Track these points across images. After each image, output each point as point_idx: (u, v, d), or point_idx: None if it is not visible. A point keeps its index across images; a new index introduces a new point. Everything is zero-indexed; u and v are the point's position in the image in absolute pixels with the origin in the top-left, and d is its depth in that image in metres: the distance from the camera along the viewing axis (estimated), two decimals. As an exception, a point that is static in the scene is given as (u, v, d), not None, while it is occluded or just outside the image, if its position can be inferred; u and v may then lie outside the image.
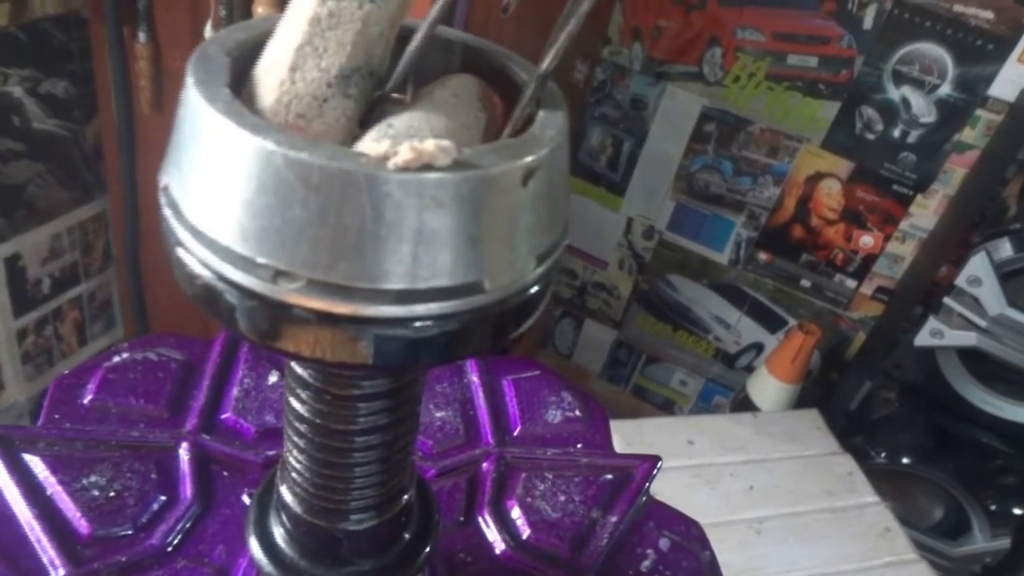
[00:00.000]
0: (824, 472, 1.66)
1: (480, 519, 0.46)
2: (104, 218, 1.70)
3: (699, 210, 2.09)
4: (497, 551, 0.44)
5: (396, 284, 0.21)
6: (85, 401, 0.47)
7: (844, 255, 2.01)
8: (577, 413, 0.52)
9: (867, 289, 2.02)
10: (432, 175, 0.20)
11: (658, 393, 2.35)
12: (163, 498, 0.43)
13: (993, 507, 1.78)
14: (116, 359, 0.49)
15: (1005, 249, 1.61)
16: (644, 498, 0.47)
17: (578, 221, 2.22)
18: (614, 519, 0.46)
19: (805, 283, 2.07)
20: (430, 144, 0.20)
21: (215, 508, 0.44)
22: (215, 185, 0.21)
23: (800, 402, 1.94)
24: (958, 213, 1.81)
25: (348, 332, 0.22)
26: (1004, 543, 1.79)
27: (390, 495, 0.33)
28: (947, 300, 1.62)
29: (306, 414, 0.30)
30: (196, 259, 0.23)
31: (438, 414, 0.51)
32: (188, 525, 0.43)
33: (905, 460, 1.81)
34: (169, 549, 0.42)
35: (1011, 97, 1.72)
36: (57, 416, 0.46)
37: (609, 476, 0.48)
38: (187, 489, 0.44)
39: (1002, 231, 1.61)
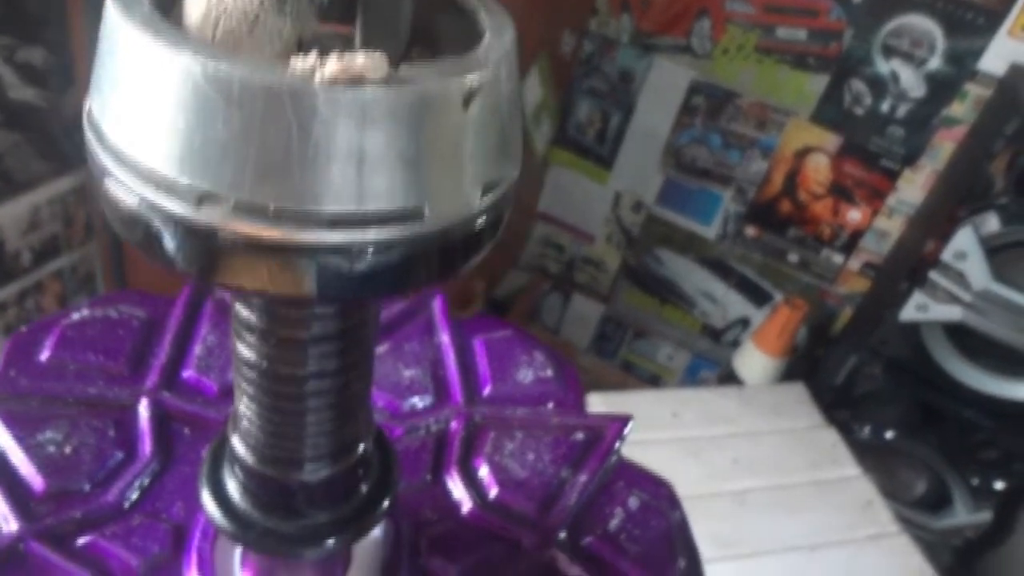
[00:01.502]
0: (808, 445, 1.67)
1: (447, 478, 0.45)
2: (84, 190, 1.68)
3: (687, 184, 2.08)
4: (464, 510, 0.44)
5: (328, 207, 0.20)
6: (42, 358, 0.46)
7: (831, 230, 2.00)
8: (549, 373, 0.51)
9: (854, 264, 2.02)
10: (363, 91, 0.19)
11: (645, 368, 2.35)
12: (121, 455, 0.42)
13: (975, 481, 1.79)
14: (75, 316, 0.48)
15: (992, 223, 1.61)
16: (614, 458, 0.47)
17: (565, 195, 2.21)
18: (583, 478, 0.45)
19: (792, 258, 2.07)
20: (360, 57, 0.19)
21: (175, 466, 0.43)
22: (134, 104, 0.20)
23: (786, 376, 1.95)
24: (945, 188, 1.80)
25: (283, 261, 0.21)
26: (985, 517, 1.80)
27: (344, 444, 0.32)
28: (932, 274, 1.62)
29: (253, 359, 0.29)
30: (121, 184, 0.21)
31: (406, 373, 0.50)
32: (146, 482, 0.42)
33: (889, 434, 1.82)
34: (126, 506, 0.41)
35: (1000, 71, 1.71)
36: (13, 373, 0.45)
37: (580, 435, 0.48)
38: (146, 446, 0.43)
39: (989, 205, 1.61)
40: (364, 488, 0.35)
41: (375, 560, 0.41)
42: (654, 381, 2.37)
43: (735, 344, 2.18)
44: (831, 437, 1.69)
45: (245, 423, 0.31)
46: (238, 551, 0.41)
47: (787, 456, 1.63)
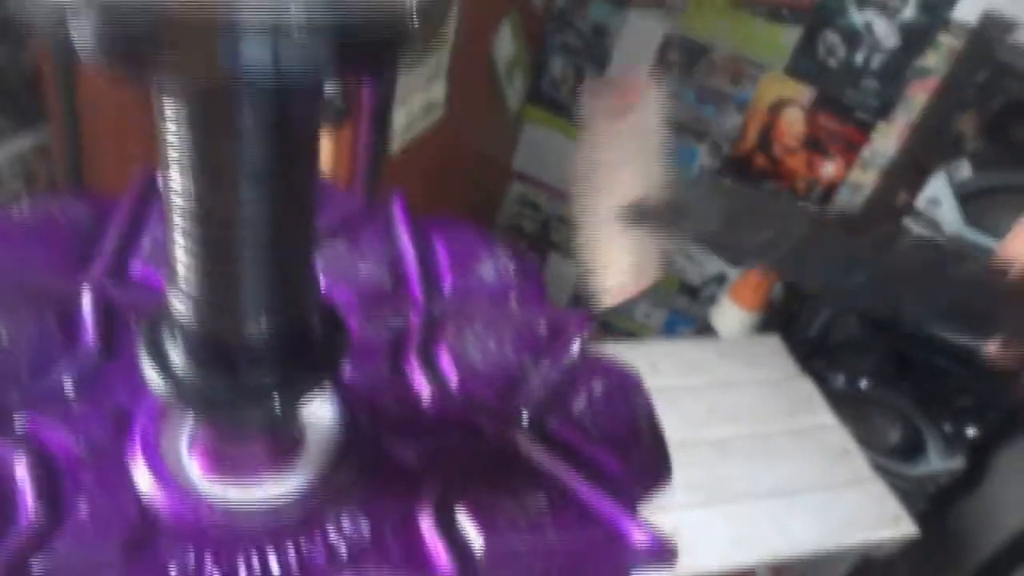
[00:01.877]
0: (784, 395, 1.67)
1: (407, 368, 0.44)
2: (46, 148, 1.64)
3: (662, 140, 2.07)
4: (424, 400, 0.43)
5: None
6: (-18, 253, 0.44)
7: (806, 184, 2.00)
8: (511, 270, 0.50)
9: (829, 218, 2.02)
10: None
11: (623, 326, 2.35)
12: (64, 344, 0.41)
13: (948, 429, 1.81)
14: (17, 212, 0.46)
15: (964, 171, 1.61)
16: (577, 348, 0.46)
17: (540, 152, 2.19)
18: (546, 366, 0.44)
19: (768, 213, 2.06)
20: None
21: (120, 357, 0.42)
22: None
23: (762, 330, 1.95)
24: (919, 139, 1.81)
25: (207, 40, 0.20)
26: (958, 464, 1.82)
27: (285, 298, 0.31)
28: (906, 222, 1.63)
29: (181, 186, 0.27)
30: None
31: (364, 269, 0.48)
32: (89, 370, 0.40)
33: (863, 384, 1.84)
34: (69, 393, 0.39)
35: (973, 19, 1.71)
36: (-50, 267, 0.43)
37: (542, 328, 0.47)
38: (89, 336, 0.41)
39: (961, 153, 1.61)
40: (310, 354, 0.33)
41: (330, 445, 0.40)
42: (631, 339, 2.37)
43: (712, 301, 2.18)
44: (806, 387, 1.70)
45: (179, 267, 0.30)
46: (186, 434, 0.40)
47: (763, 405, 1.64)
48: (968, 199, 1.60)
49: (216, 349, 0.32)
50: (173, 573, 0.34)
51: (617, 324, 2.36)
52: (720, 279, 2.16)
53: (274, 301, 0.31)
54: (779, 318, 2.05)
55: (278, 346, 0.32)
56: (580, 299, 2.36)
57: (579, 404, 0.43)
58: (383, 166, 1.37)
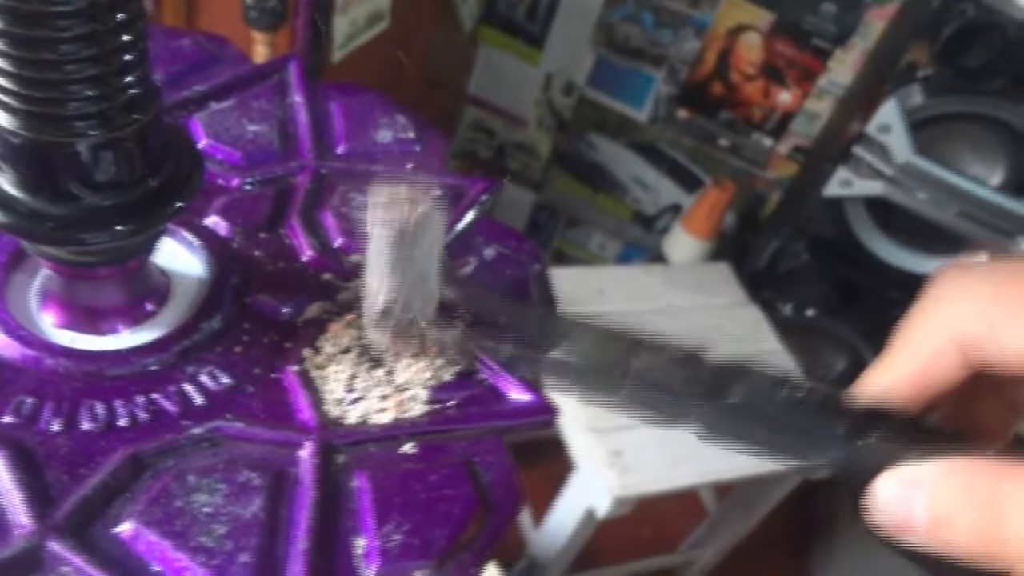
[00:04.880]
0: (731, 321, 1.68)
1: (288, 226, 0.41)
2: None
3: (619, 65, 2.03)
4: (304, 257, 0.40)
5: None
6: None
7: (762, 112, 1.98)
8: (411, 135, 0.47)
9: (783, 148, 2.01)
10: None
11: (577, 256, 2.34)
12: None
13: (891, 358, 1.83)
14: None
15: (916, 97, 1.60)
16: (474, 214, 0.43)
17: (496, 76, 2.14)
18: (438, 230, 0.42)
19: (723, 142, 2.05)
20: None
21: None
22: None
23: (713, 259, 1.95)
24: (873, 66, 1.79)
25: None
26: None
27: (115, 106, 0.28)
28: (856, 149, 1.62)
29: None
30: None
31: (250, 127, 0.45)
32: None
33: (810, 312, 1.85)
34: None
35: (933, -57, 1.67)
36: None
37: (439, 193, 0.44)
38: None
39: (913, 78, 1.59)
40: (151, 181, 0.31)
41: (196, 297, 0.37)
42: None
43: (666, 231, 2.17)
44: (754, 314, 1.71)
45: (1, 82, 0.27)
46: (36, 287, 0.37)
47: (709, 331, 1.64)
48: (919, 126, 1.59)
49: (46, 169, 0.29)
50: (7, 420, 0.31)
51: (572, 255, 2.34)
52: (675, 209, 2.15)
53: (100, 105, 0.28)
54: (732, 248, 2.06)
55: (111, 164, 0.29)
56: (537, 226, 2.34)
57: (467, 268, 0.41)
58: (322, 75, 1.32)
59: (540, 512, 1.52)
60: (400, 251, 0.32)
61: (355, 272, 0.40)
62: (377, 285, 0.34)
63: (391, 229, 0.32)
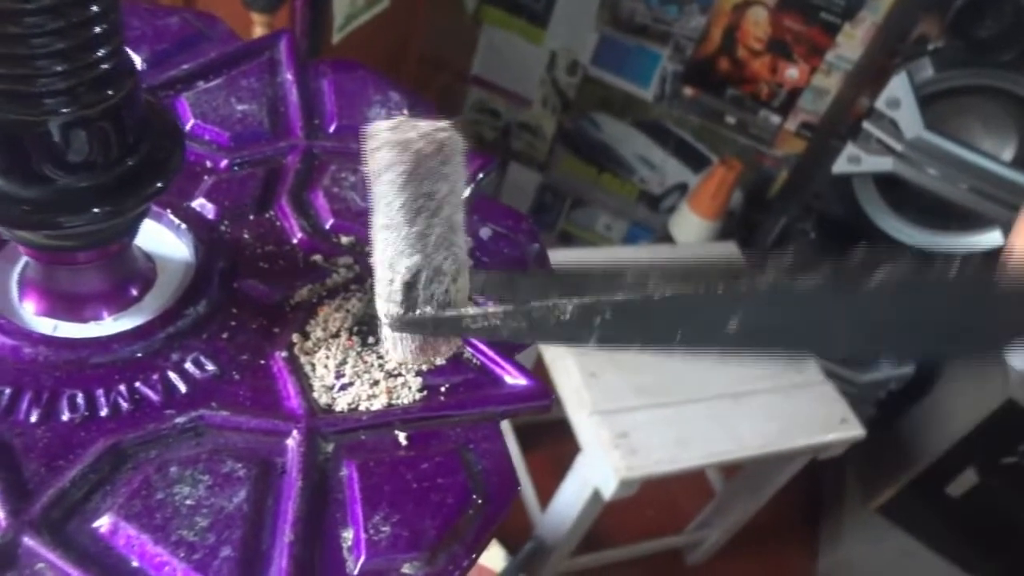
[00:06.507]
0: (737, 300, 1.66)
1: (277, 207, 0.40)
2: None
3: (624, 42, 2.00)
4: (294, 238, 0.39)
5: None
6: None
7: (769, 89, 1.95)
8: (404, 112, 0.46)
9: (791, 125, 1.98)
10: None
11: (583, 238, 2.32)
12: None
13: (900, 336, 1.82)
14: None
15: (926, 70, 1.57)
16: (470, 191, 0.42)
17: (499, 56, 2.11)
18: (432, 210, 0.41)
19: (730, 120, 2.02)
20: None
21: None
22: None
23: (721, 239, 1.93)
24: (884, 41, 1.76)
25: None
26: (907, 371, 1.84)
27: (84, 82, 0.27)
28: (866, 124, 1.59)
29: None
30: None
31: (240, 107, 0.44)
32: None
33: (818, 291, 1.82)
34: None
35: (944, -87, 1.64)
36: None
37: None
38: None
39: (923, 51, 1.56)
40: (129, 161, 0.29)
41: (182, 281, 0.36)
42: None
43: (672, 211, 2.15)
44: (761, 293, 1.69)
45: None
46: (16, 274, 0.36)
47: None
48: (928, 100, 1.56)
49: (17, 149, 0.27)
50: (-14, 411, 0.30)
51: (578, 237, 2.32)
52: (682, 188, 2.13)
53: (71, 82, 0.26)
54: (739, 228, 2.03)
55: (84, 144, 0.28)
56: (542, 207, 2.32)
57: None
58: (321, 54, 1.30)
59: (546, 494, 1.51)
60: (418, 196, 0.25)
61: (348, 252, 0.39)
62: (393, 252, 0.26)
63: (402, 168, 0.24)
